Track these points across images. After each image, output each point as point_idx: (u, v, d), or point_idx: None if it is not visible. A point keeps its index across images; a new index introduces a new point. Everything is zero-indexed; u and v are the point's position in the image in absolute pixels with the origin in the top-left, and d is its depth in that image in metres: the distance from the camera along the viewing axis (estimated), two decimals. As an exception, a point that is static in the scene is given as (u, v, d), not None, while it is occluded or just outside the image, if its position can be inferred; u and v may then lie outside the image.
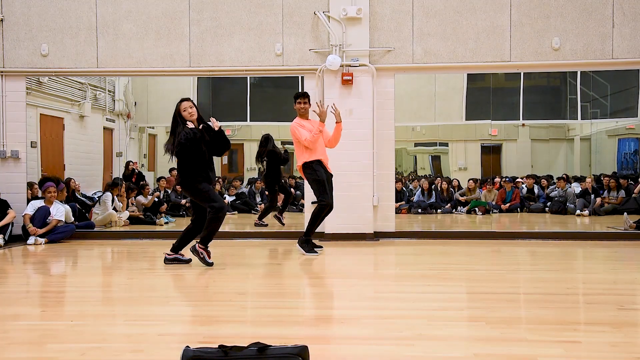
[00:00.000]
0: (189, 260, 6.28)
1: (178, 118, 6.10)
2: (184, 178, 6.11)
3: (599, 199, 12.06)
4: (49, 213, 8.42)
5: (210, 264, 6.10)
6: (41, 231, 8.26)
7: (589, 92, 12.83)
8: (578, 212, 11.95)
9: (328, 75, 8.51)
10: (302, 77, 8.90)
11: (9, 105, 8.92)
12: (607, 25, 8.39)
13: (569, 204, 12.31)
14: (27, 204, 8.63)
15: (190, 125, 6.10)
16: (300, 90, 7.79)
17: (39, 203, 8.48)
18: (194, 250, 6.15)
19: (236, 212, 12.56)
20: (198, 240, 6.20)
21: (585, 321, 4.06)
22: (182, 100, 6.15)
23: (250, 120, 12.94)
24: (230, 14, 8.72)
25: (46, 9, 8.84)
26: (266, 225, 9.98)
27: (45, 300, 4.98)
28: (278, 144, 10.64)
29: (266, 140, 10.06)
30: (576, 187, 12.64)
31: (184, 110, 6.07)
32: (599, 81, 12.55)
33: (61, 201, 9.02)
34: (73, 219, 8.96)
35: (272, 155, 10.01)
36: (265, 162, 10.12)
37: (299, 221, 8.74)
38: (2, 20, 8.83)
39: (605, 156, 13.64)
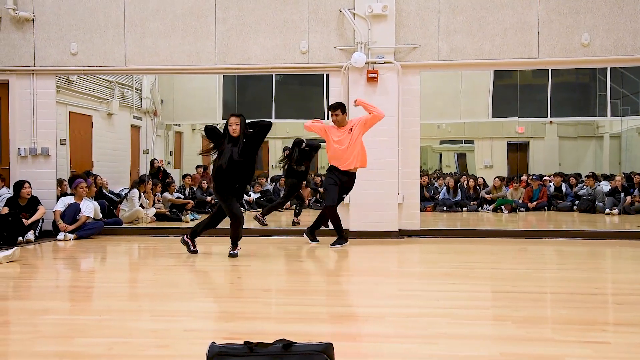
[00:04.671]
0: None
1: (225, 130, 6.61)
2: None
3: (629, 198, 11.84)
4: (79, 210, 8.55)
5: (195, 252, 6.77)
6: (71, 227, 8.40)
7: (619, 88, 12.57)
8: (607, 210, 11.74)
9: (353, 72, 8.49)
10: (327, 75, 8.89)
11: (40, 104, 9.08)
12: (638, 21, 8.22)
13: (597, 202, 12.11)
14: (57, 200, 8.78)
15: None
16: (333, 102, 7.71)
17: (69, 199, 8.62)
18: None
19: (261, 209, 12.59)
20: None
21: (614, 321, 3.99)
22: (231, 115, 6.59)
23: (275, 118, 12.95)
24: (256, 11, 8.75)
25: (76, 8, 8.98)
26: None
27: (74, 295, 5.07)
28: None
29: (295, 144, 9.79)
30: (605, 186, 12.42)
31: (230, 125, 6.51)
32: (630, 78, 12.30)
33: (91, 197, 9.17)
34: (101, 215, 9.10)
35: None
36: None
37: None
38: (33, 19, 8.99)
39: (636, 154, 13.36)
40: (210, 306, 4.62)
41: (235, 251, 6.59)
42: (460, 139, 14.23)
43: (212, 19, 8.80)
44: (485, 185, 13.14)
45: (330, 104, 7.65)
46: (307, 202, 12.17)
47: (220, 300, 4.84)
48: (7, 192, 8.73)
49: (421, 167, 9.58)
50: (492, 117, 13.16)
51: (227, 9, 8.78)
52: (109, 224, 9.15)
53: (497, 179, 12.82)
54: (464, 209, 12.69)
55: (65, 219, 8.44)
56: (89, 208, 8.68)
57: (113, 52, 8.95)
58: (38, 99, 9.07)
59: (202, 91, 12.85)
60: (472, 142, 14.12)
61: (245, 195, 12.27)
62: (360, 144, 7.40)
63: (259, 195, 13.04)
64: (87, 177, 9.78)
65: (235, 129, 6.45)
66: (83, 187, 8.65)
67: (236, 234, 6.59)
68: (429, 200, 12.66)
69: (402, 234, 8.49)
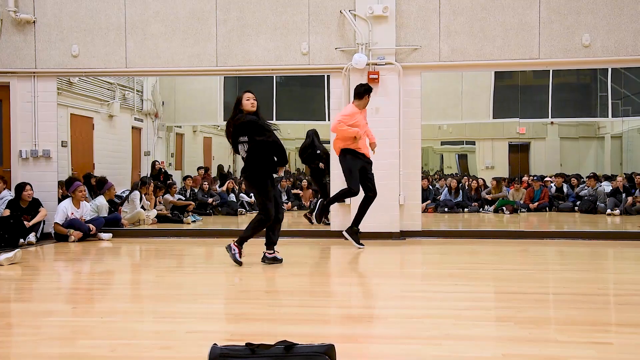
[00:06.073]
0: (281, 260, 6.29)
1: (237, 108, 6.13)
2: (254, 171, 6.13)
3: (630, 198, 11.84)
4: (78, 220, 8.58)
5: (240, 263, 6.10)
6: (79, 235, 8.39)
7: (620, 89, 12.58)
8: (609, 211, 11.74)
9: (354, 73, 8.49)
10: (328, 76, 8.89)
11: (41, 106, 9.09)
12: (639, 21, 8.22)
13: (599, 203, 12.10)
14: (58, 202, 8.80)
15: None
16: (363, 84, 7.52)
17: (68, 206, 8.56)
18: (228, 247, 6.15)
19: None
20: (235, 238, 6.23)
21: (617, 322, 3.99)
22: (245, 91, 6.17)
23: (276, 119, 12.95)
24: (257, 13, 8.76)
25: (77, 10, 8.99)
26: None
27: (76, 297, 5.07)
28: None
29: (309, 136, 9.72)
30: (606, 186, 12.42)
31: (248, 100, 6.09)
32: (631, 78, 12.29)
33: (109, 200, 9.32)
34: (106, 213, 9.20)
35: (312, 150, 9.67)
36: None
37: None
38: (34, 22, 9.00)
39: (637, 154, 13.35)
40: (213, 308, 4.61)
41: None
42: (462, 139, 14.21)
43: (213, 20, 8.81)
44: (486, 186, 13.15)
45: (363, 89, 7.41)
46: (308, 203, 12.18)
47: (223, 302, 4.84)
48: (9, 194, 8.74)
49: (422, 168, 9.56)
50: (493, 118, 13.16)
51: (228, 10, 8.79)
52: (109, 220, 9.17)
53: (493, 180, 12.81)
54: (465, 210, 12.69)
55: (64, 225, 8.46)
56: (87, 213, 8.76)
57: (114, 54, 8.96)
58: (39, 101, 9.08)
59: (203, 93, 12.87)
60: (473, 143, 14.11)
61: (246, 196, 12.29)
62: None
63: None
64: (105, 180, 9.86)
65: (254, 103, 6.11)
66: (82, 192, 8.69)
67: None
68: (430, 202, 12.66)
69: (403, 235, 8.49)
